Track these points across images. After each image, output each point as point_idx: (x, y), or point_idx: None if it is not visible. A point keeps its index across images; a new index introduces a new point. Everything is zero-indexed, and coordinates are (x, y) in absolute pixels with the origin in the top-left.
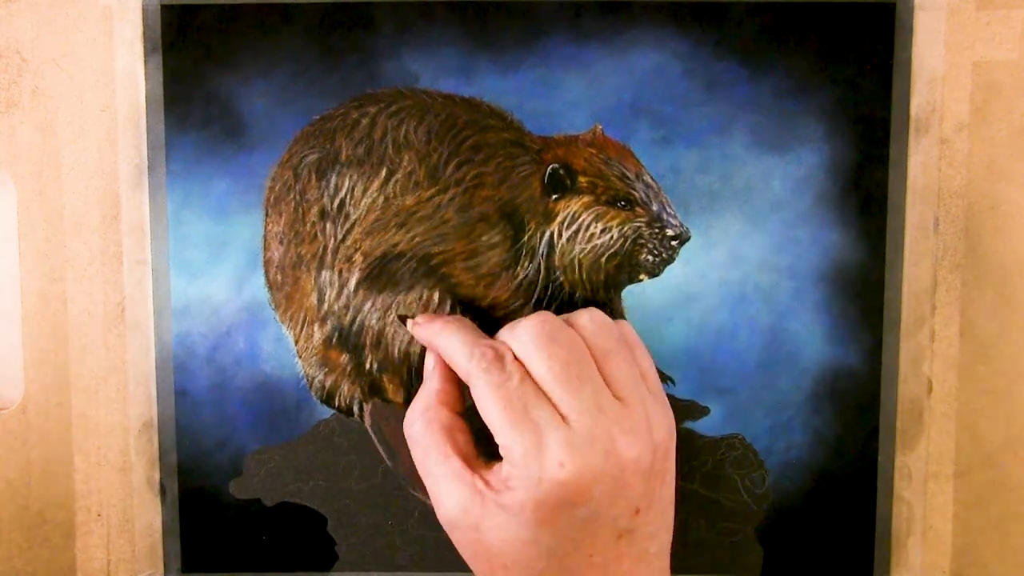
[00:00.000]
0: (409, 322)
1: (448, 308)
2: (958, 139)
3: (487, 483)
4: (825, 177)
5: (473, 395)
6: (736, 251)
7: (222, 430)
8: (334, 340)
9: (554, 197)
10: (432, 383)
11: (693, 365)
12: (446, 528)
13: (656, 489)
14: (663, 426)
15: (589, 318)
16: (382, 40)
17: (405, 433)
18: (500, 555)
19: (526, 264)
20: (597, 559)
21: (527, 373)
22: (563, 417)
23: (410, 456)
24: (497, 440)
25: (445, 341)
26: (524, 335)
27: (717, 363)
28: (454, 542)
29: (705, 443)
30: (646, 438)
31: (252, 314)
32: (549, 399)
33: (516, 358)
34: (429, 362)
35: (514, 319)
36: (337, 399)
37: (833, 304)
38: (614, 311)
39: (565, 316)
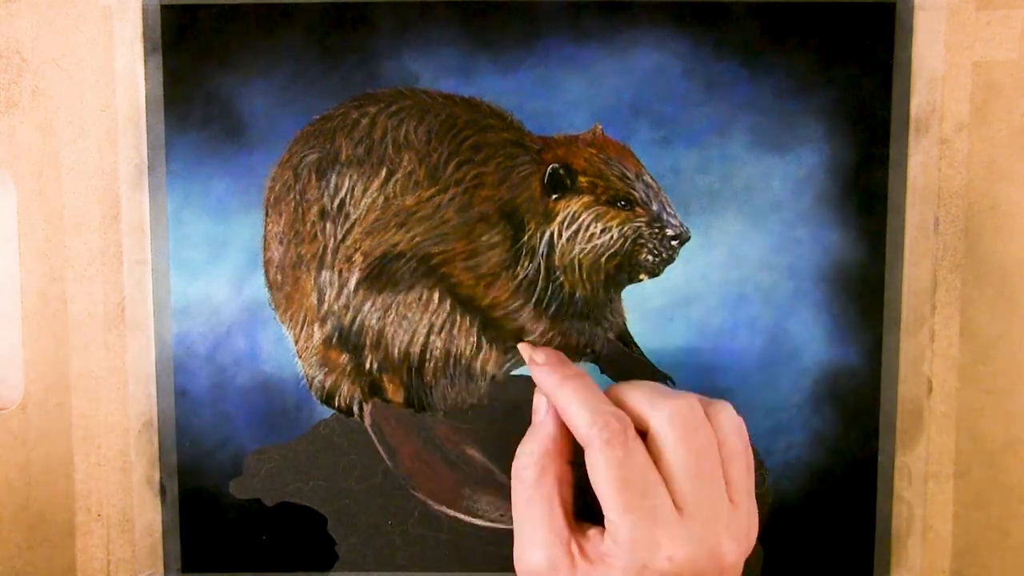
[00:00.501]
0: (530, 360)
1: (448, 308)
2: (958, 139)
3: (582, 550)
4: (825, 177)
5: (587, 462)
6: (736, 251)
7: (222, 430)
8: (334, 340)
9: (554, 197)
10: (548, 427)
11: (693, 365)
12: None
13: None
14: (755, 531)
15: (727, 416)
16: (382, 40)
17: (513, 475)
18: None
19: (526, 264)
20: None
21: (647, 453)
22: (679, 507)
23: (410, 456)
24: (606, 514)
25: (566, 399)
26: (673, 416)
27: (717, 363)
28: None
29: None
30: (746, 544)
31: (252, 314)
32: (667, 484)
33: (637, 433)
34: (541, 403)
35: (514, 319)
36: (337, 399)
37: (833, 304)
38: (614, 311)
39: (703, 402)
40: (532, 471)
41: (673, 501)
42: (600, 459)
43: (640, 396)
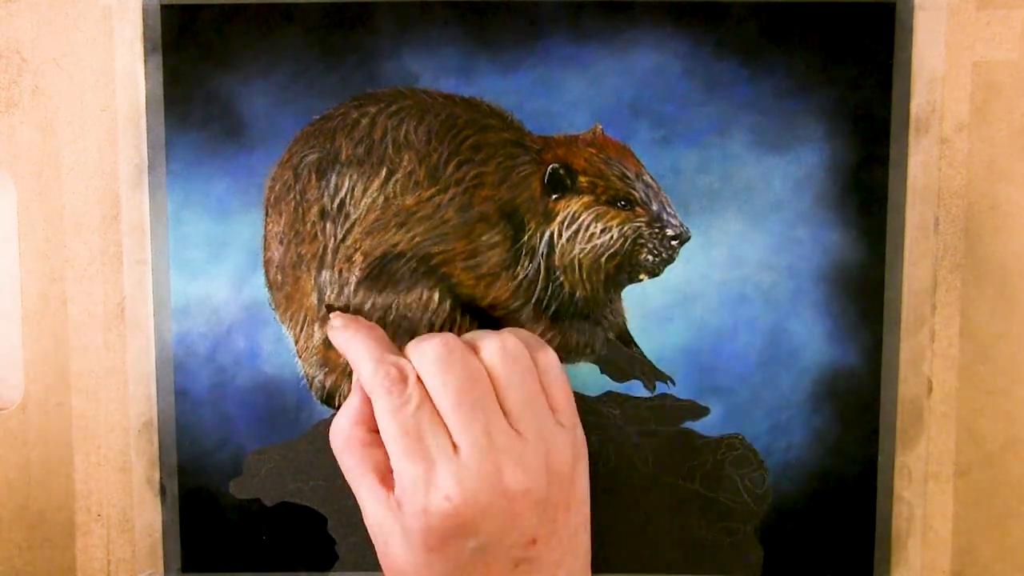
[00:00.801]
0: (330, 327)
1: (448, 308)
2: (958, 139)
3: (399, 503)
4: (825, 177)
5: (375, 411)
6: (736, 251)
7: (222, 430)
8: None
9: (554, 197)
10: (353, 398)
11: (693, 365)
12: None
13: (558, 519)
14: (565, 455)
15: (497, 347)
16: (382, 40)
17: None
18: (402, 573)
19: (526, 264)
20: None
21: (427, 396)
22: (455, 447)
23: None
24: (392, 463)
25: (355, 351)
26: (425, 356)
27: (717, 363)
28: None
29: (705, 443)
30: (538, 470)
31: (252, 314)
32: (445, 426)
33: (419, 379)
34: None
35: (514, 319)
36: (337, 399)
37: (833, 304)
38: (614, 311)
39: (472, 338)
40: (338, 443)
41: (451, 441)
42: (380, 406)
43: (413, 342)
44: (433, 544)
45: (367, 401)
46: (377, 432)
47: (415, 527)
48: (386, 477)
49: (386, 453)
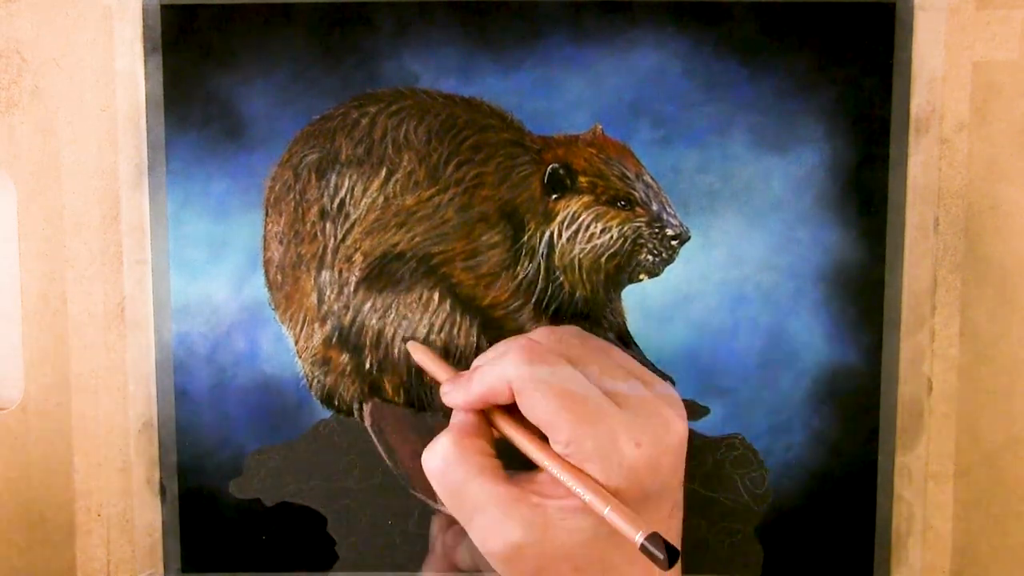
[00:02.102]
0: (444, 393)
1: (448, 308)
2: (958, 139)
3: (542, 494)
4: (825, 177)
5: (522, 404)
6: (736, 251)
7: (222, 430)
8: (334, 340)
9: (554, 197)
10: (455, 420)
11: (693, 365)
12: (504, 561)
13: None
14: (669, 388)
15: (557, 329)
16: (382, 40)
17: (428, 469)
18: (572, 557)
19: (526, 264)
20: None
21: (567, 363)
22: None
23: (410, 456)
24: (559, 439)
25: (479, 381)
26: (519, 373)
27: (717, 363)
28: (512, 572)
29: (705, 443)
30: (682, 411)
31: (252, 314)
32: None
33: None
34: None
35: (514, 319)
36: (337, 399)
37: (833, 304)
38: (614, 311)
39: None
40: (454, 453)
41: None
42: (530, 389)
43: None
44: (626, 499)
45: (473, 416)
46: (485, 441)
47: (620, 483)
48: (509, 480)
49: (497, 463)
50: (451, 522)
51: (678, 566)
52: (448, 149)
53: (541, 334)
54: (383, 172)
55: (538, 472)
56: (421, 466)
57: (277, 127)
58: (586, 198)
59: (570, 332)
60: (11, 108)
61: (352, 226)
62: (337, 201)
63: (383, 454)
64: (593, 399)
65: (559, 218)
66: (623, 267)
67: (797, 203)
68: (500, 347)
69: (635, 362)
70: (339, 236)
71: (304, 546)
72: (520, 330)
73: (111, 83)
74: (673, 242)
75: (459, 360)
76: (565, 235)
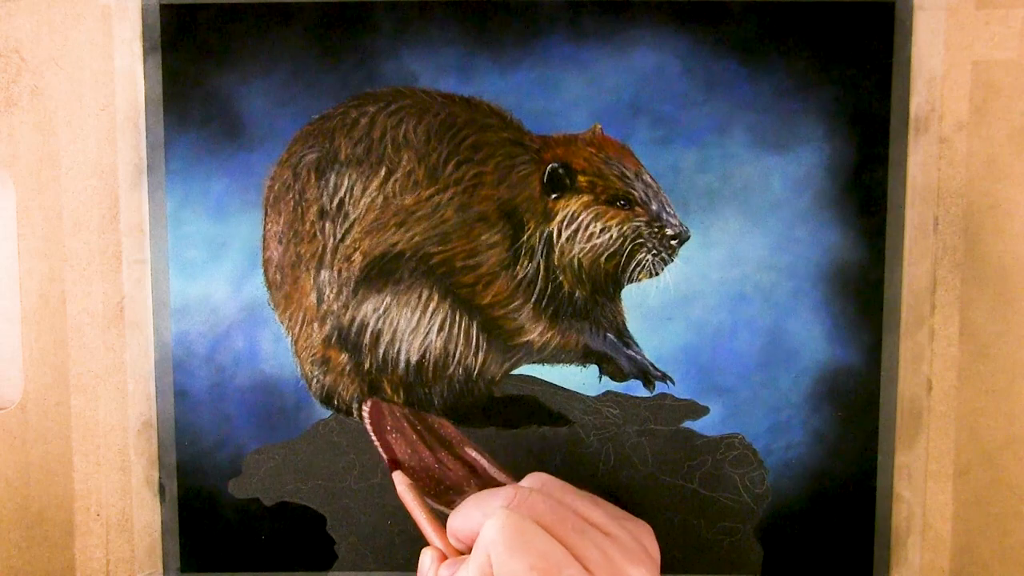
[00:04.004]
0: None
1: (448, 307)
2: (957, 138)
3: None
4: (825, 176)
5: None
6: (736, 251)
7: (221, 430)
8: (333, 339)
9: (553, 196)
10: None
11: (693, 365)
12: None
13: None
14: (647, 535)
15: (540, 482)
16: (381, 40)
17: None
18: None
19: (525, 263)
20: None
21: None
22: None
23: (408, 457)
24: None
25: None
26: (495, 544)
27: (717, 363)
28: None
29: (705, 443)
30: (651, 555)
31: (251, 314)
32: None
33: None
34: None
35: (513, 318)
36: (336, 398)
37: (833, 304)
38: (614, 311)
39: (513, 485)
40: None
41: None
42: None
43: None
44: None
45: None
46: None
47: None
48: None
49: None
50: (443, 556)
51: None
52: (447, 148)
53: (524, 501)
54: (382, 171)
55: None
56: (420, 466)
57: (276, 126)
58: (585, 197)
59: (557, 507)
60: (10, 107)
61: (351, 226)
62: (336, 201)
63: (382, 454)
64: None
65: (558, 217)
66: (623, 267)
67: (796, 203)
68: (475, 511)
69: (590, 506)
70: (338, 236)
71: (303, 546)
72: (519, 330)
73: (110, 83)
74: (672, 241)
75: (459, 360)
76: (564, 234)
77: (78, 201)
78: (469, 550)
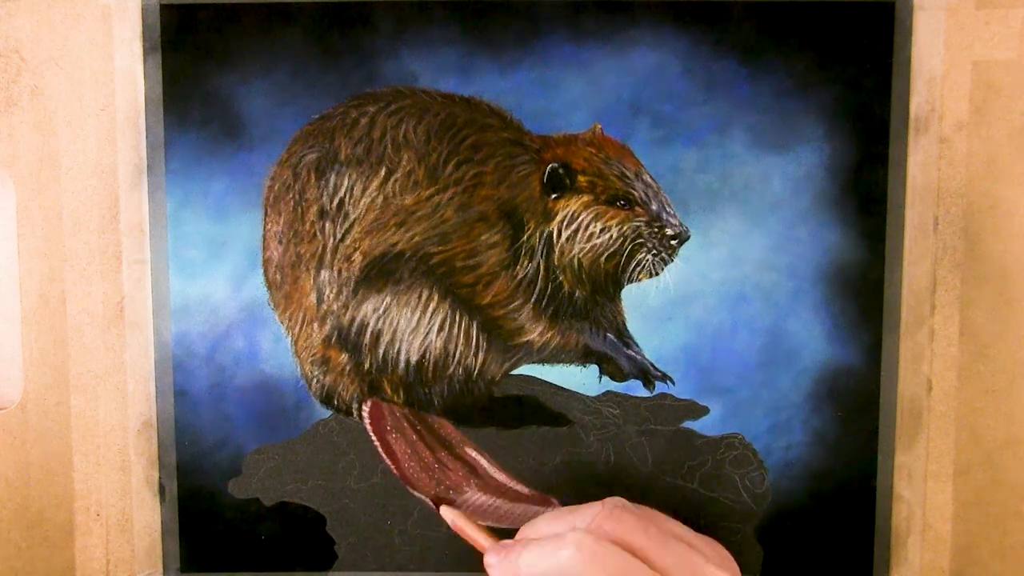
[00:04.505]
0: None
1: (448, 307)
2: (957, 138)
3: None
4: (825, 176)
5: None
6: (736, 251)
7: (221, 430)
8: (333, 339)
9: (553, 196)
10: None
11: (693, 365)
12: None
13: None
14: (725, 552)
15: (612, 503)
16: (381, 40)
17: None
18: None
19: (525, 263)
20: None
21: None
22: None
23: (409, 456)
24: None
25: (531, 565)
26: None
27: (717, 363)
28: None
29: (705, 443)
30: (732, 567)
31: (251, 314)
32: None
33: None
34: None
35: (513, 318)
36: (336, 398)
37: (833, 304)
38: (614, 310)
39: (581, 514)
40: None
41: None
42: None
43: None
44: None
45: None
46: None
47: None
48: None
49: None
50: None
51: None
52: (447, 148)
53: (605, 518)
54: (382, 171)
55: None
56: (420, 466)
57: (276, 126)
58: (585, 197)
59: (637, 520)
60: (10, 107)
61: (351, 226)
62: (336, 201)
63: (382, 454)
64: None
65: (558, 217)
66: (623, 267)
67: (796, 203)
68: (554, 523)
69: (678, 527)
70: (338, 236)
71: (303, 546)
72: (519, 330)
73: (110, 83)
74: (672, 241)
75: (459, 360)
76: (564, 234)
77: (78, 201)
78: None
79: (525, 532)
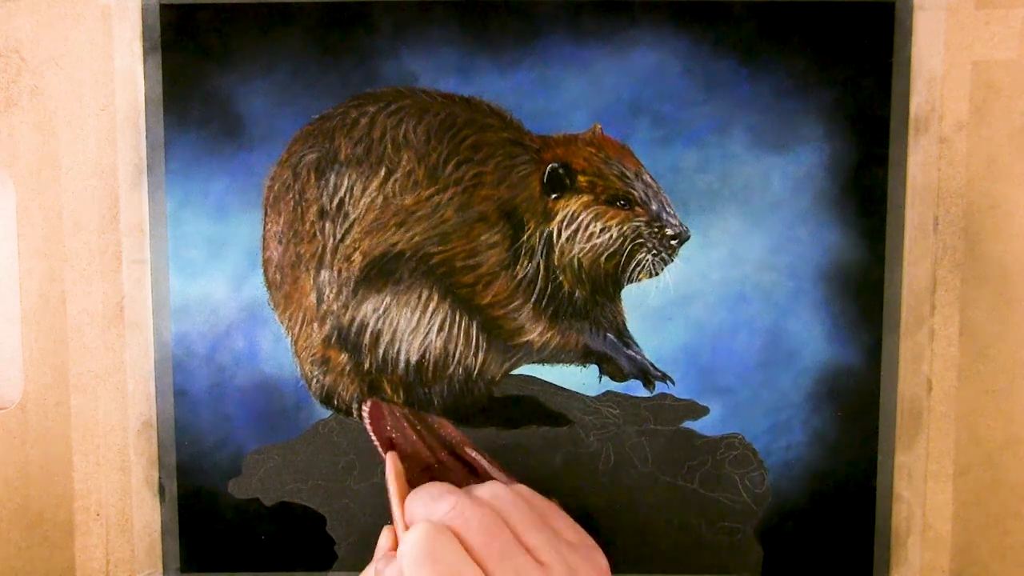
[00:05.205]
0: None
1: (448, 307)
2: (957, 138)
3: None
4: (825, 176)
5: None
6: (736, 251)
7: (221, 430)
8: (333, 339)
9: (553, 196)
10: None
11: (693, 365)
12: None
13: None
14: (593, 570)
15: (492, 494)
16: (381, 39)
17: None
18: None
19: (525, 263)
20: None
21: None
22: None
23: (408, 456)
24: None
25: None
26: (433, 518)
27: (717, 363)
28: None
29: (705, 443)
30: None
31: (251, 314)
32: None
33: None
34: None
35: (513, 318)
36: (336, 398)
37: (833, 304)
38: (614, 310)
39: (467, 490)
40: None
41: None
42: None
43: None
44: None
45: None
46: None
47: None
48: None
49: None
50: (396, 540)
51: None
52: (447, 148)
53: (456, 516)
54: (382, 171)
55: None
56: (420, 466)
57: (276, 126)
58: (585, 197)
59: (488, 525)
60: (10, 107)
61: (351, 226)
62: (336, 201)
63: (382, 454)
64: None
65: (558, 217)
66: (622, 266)
67: (796, 203)
68: (419, 506)
69: (556, 515)
70: (338, 236)
71: (303, 546)
72: (519, 330)
73: (110, 83)
74: (672, 241)
75: (459, 360)
76: (564, 234)
77: (78, 201)
78: None
79: (407, 502)
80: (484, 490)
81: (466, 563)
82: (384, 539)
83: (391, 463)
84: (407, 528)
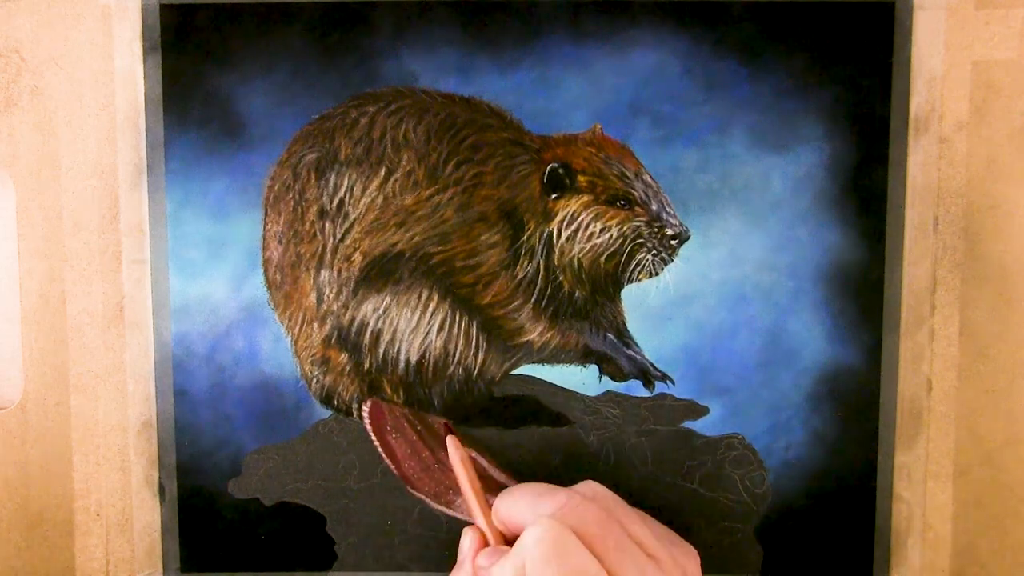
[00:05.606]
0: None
1: (448, 307)
2: (957, 138)
3: None
4: (825, 176)
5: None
6: (736, 251)
7: (221, 430)
8: (333, 339)
9: (553, 196)
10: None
11: (693, 365)
12: None
13: None
14: (691, 561)
15: (592, 491)
16: (381, 39)
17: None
18: None
19: (525, 263)
20: None
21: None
22: None
23: (409, 456)
24: None
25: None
26: (529, 551)
27: (717, 363)
28: None
29: (705, 443)
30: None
31: (251, 314)
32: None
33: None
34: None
35: (513, 318)
36: (336, 398)
37: (833, 304)
38: (614, 310)
39: (571, 488)
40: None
41: None
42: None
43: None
44: None
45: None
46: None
47: None
48: None
49: None
50: (483, 539)
51: None
52: (447, 148)
53: (572, 509)
54: (382, 171)
55: None
56: (420, 466)
57: (276, 126)
58: (585, 197)
59: (603, 521)
60: (10, 107)
61: (351, 226)
62: (336, 201)
63: (382, 454)
64: None
65: (558, 217)
66: (622, 267)
67: (796, 203)
68: (524, 506)
69: (638, 525)
70: (338, 236)
71: (303, 546)
72: (519, 330)
73: (110, 83)
74: (672, 241)
75: (459, 360)
76: (564, 234)
77: (78, 201)
78: (511, 537)
79: (499, 502)
80: (585, 488)
81: (590, 559)
82: (469, 539)
83: (455, 448)
84: (500, 527)
